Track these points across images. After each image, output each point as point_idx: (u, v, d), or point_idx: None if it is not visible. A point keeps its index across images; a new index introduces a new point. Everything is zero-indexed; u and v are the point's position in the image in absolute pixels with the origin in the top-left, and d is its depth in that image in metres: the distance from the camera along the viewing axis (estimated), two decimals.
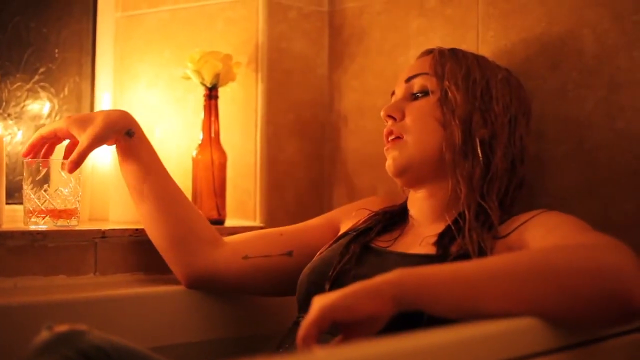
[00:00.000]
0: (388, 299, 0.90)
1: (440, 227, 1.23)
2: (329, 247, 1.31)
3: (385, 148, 1.30)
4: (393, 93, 1.36)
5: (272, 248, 1.40)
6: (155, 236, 1.41)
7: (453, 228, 1.20)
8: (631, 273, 0.92)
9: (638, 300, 0.90)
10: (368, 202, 1.44)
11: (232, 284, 1.42)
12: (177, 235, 1.39)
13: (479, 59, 1.32)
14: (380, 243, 1.27)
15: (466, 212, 1.20)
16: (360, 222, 1.34)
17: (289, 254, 1.40)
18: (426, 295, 0.92)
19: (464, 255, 1.13)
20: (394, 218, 1.34)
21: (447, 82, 1.27)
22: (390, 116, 1.30)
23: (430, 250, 1.19)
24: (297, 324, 1.23)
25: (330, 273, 1.22)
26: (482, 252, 1.13)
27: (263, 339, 1.47)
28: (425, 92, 1.29)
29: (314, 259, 1.30)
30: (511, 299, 0.92)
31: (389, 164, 1.29)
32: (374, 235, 1.29)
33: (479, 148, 1.24)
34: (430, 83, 1.29)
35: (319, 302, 0.91)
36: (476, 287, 0.93)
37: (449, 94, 1.26)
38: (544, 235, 1.10)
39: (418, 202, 1.31)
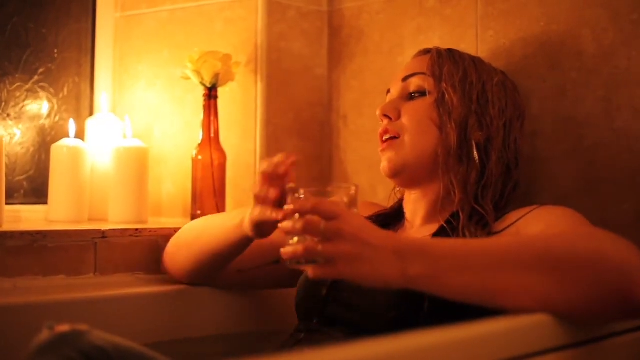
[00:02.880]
0: (395, 286, 0.94)
1: (433, 229, 1.24)
2: None
3: (380, 149, 1.30)
4: (388, 91, 1.35)
5: (262, 258, 1.37)
6: (182, 265, 1.40)
7: (447, 228, 1.20)
8: (633, 266, 0.92)
9: (638, 296, 0.91)
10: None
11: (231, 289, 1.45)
12: (202, 273, 1.39)
13: (475, 61, 1.32)
14: None
15: (461, 215, 1.20)
16: None
17: (277, 262, 1.39)
18: (434, 287, 0.95)
19: None
20: (387, 221, 1.34)
21: (444, 84, 1.27)
22: (386, 115, 1.29)
23: None
24: (298, 331, 1.23)
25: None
26: None
27: (265, 335, 1.47)
28: (421, 92, 1.29)
29: None
30: (514, 288, 0.93)
31: (384, 165, 1.28)
32: None
33: (475, 151, 1.24)
34: (428, 83, 1.28)
35: (342, 267, 0.92)
36: (479, 273, 0.94)
37: (446, 96, 1.26)
38: (543, 229, 1.10)
39: (412, 203, 1.31)
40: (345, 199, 1.00)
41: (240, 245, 1.26)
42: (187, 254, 1.37)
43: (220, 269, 1.36)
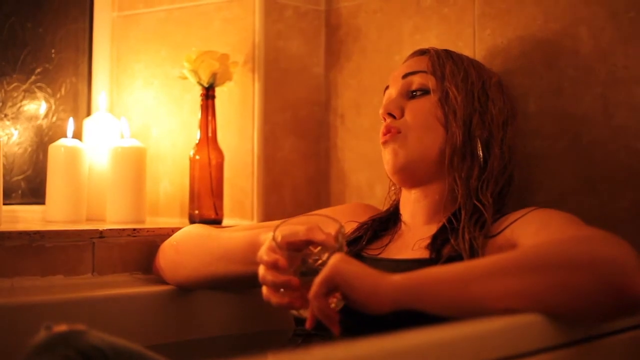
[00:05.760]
0: (386, 300, 0.96)
1: (431, 230, 1.23)
2: None
3: (382, 141, 1.29)
4: (387, 88, 1.35)
5: (256, 266, 1.37)
6: (184, 278, 1.41)
7: (448, 227, 1.20)
8: (627, 264, 0.92)
9: (635, 291, 0.90)
10: (350, 208, 1.43)
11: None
12: (204, 286, 1.41)
13: (473, 62, 1.34)
14: (371, 251, 1.27)
15: (462, 212, 1.20)
16: (349, 232, 1.33)
17: None
18: (425, 300, 0.95)
19: (455, 257, 1.14)
20: (383, 225, 1.33)
21: (447, 83, 1.27)
22: (389, 114, 1.29)
23: (423, 254, 1.19)
24: (296, 335, 1.23)
25: None
26: (473, 252, 1.14)
27: (264, 335, 1.47)
28: (424, 91, 1.29)
29: None
30: (508, 295, 0.93)
31: (387, 159, 1.28)
32: (364, 244, 1.28)
33: (479, 149, 1.25)
34: (430, 82, 1.28)
35: (334, 262, 0.98)
36: (472, 287, 0.94)
37: (450, 95, 1.26)
38: (536, 232, 1.11)
39: (411, 205, 1.31)
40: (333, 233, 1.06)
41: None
42: (195, 272, 1.37)
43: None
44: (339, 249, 1.04)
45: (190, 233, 1.42)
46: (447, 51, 1.33)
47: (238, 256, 1.27)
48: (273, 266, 1.05)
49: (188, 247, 1.39)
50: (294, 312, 1.08)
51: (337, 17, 1.85)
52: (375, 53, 1.76)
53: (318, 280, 0.97)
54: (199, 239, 1.39)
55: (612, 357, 1.07)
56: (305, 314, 1.04)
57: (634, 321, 1.08)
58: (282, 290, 1.06)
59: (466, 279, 0.95)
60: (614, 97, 1.37)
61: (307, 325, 1.02)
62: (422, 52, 1.36)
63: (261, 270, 1.07)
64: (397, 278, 0.96)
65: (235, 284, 1.35)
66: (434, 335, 0.85)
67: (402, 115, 1.28)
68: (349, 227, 1.34)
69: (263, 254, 1.07)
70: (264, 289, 1.08)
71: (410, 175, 1.28)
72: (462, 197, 1.22)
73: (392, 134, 1.27)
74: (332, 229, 1.07)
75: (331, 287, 0.97)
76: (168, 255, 1.42)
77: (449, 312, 0.95)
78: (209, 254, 1.35)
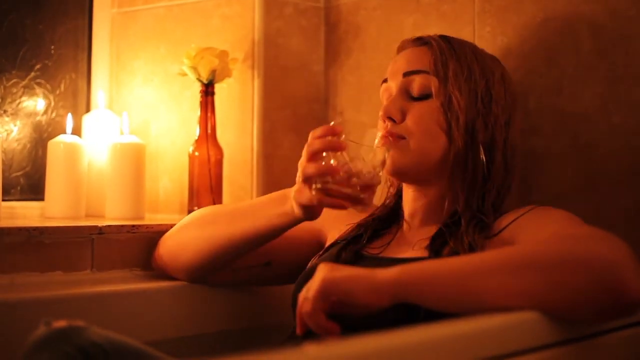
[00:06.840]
0: (385, 294, 0.95)
1: (432, 230, 1.22)
2: (319, 256, 1.29)
3: (382, 143, 1.27)
4: (385, 80, 1.31)
5: (253, 258, 1.37)
6: (188, 261, 1.40)
7: (445, 230, 1.19)
8: (624, 264, 0.91)
9: (631, 292, 0.90)
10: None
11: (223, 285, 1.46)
12: (210, 269, 1.39)
13: (476, 55, 1.28)
14: (372, 250, 1.25)
15: (462, 220, 1.18)
16: (350, 229, 1.31)
17: (267, 264, 1.39)
18: (423, 291, 0.95)
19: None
20: (384, 224, 1.32)
21: (450, 87, 1.23)
22: (389, 117, 1.25)
23: (423, 254, 1.18)
24: (295, 332, 1.23)
25: None
26: (472, 252, 1.13)
27: (264, 331, 1.47)
28: (426, 95, 1.24)
29: (306, 268, 1.27)
30: (504, 291, 0.93)
31: (387, 163, 1.22)
32: (365, 242, 1.26)
33: (482, 155, 1.22)
34: (433, 84, 1.23)
35: (323, 274, 0.97)
36: (469, 281, 0.95)
37: (454, 100, 1.22)
38: (536, 231, 1.10)
39: (411, 202, 1.29)
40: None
41: (285, 230, 1.27)
42: (200, 248, 1.34)
43: (234, 261, 1.36)
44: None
45: (204, 210, 1.41)
46: (449, 44, 1.27)
47: (266, 209, 1.27)
48: (331, 131, 1.12)
49: (203, 221, 1.37)
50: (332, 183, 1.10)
51: (336, 14, 1.85)
52: (375, 50, 1.76)
53: (311, 296, 0.97)
54: (214, 211, 1.38)
55: (608, 355, 1.07)
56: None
57: (630, 319, 1.08)
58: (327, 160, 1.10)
59: (463, 273, 0.95)
60: (614, 95, 1.37)
61: (298, 331, 1.01)
62: (423, 42, 1.30)
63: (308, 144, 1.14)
64: (393, 272, 0.95)
65: (254, 244, 1.30)
66: (432, 333, 0.85)
67: (403, 119, 1.24)
68: (346, 230, 1.33)
69: (315, 129, 1.14)
70: (303, 168, 1.14)
71: (407, 177, 1.26)
72: (462, 205, 1.20)
73: (396, 141, 1.23)
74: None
75: (326, 299, 0.96)
76: (170, 242, 1.40)
77: (445, 305, 0.95)
78: (230, 217, 1.33)
